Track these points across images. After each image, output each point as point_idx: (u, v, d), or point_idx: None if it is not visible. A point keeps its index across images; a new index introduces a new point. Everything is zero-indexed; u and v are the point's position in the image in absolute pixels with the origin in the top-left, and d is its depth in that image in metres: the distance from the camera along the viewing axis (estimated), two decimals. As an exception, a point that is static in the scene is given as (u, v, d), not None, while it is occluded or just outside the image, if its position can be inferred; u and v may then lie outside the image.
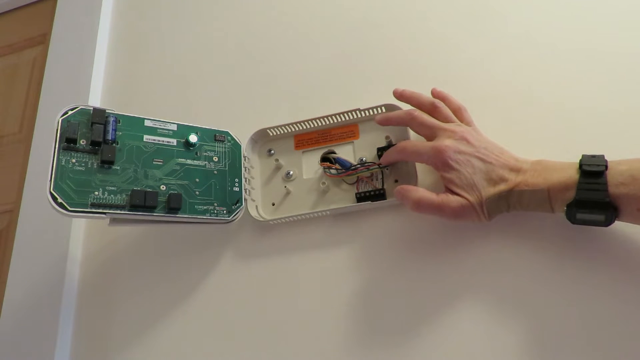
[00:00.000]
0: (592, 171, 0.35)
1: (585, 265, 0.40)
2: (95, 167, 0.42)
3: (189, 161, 0.47)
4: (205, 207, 0.46)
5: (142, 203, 0.42)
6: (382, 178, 0.47)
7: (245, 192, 0.49)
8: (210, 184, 0.47)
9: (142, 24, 0.69)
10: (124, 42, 0.69)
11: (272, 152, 0.52)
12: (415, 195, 0.40)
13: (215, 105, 0.59)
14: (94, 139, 0.42)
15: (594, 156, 0.36)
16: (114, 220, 0.43)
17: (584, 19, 0.49)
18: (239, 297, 0.48)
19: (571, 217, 0.36)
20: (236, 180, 0.49)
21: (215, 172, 0.48)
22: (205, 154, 0.48)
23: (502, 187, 0.38)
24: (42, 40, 0.78)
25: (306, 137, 0.52)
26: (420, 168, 0.46)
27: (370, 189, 0.47)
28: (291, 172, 0.50)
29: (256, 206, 0.50)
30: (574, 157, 0.37)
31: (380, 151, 0.48)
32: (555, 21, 0.49)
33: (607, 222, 0.35)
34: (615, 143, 0.42)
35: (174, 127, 0.48)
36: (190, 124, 0.49)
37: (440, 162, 0.40)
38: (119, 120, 0.45)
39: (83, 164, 0.42)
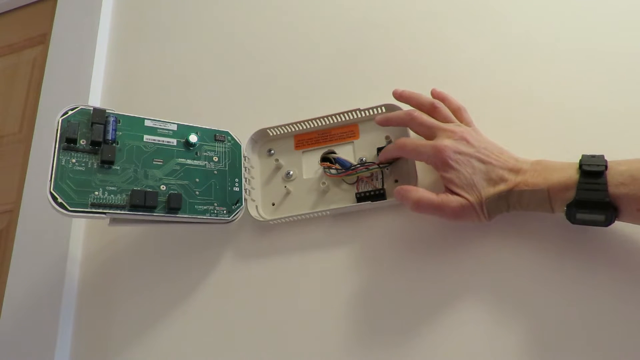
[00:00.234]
0: (592, 171, 0.35)
1: (585, 265, 0.40)
2: (95, 167, 0.42)
3: (189, 161, 0.47)
4: (205, 207, 0.46)
5: (142, 203, 0.42)
6: (382, 178, 0.47)
7: (245, 192, 0.49)
8: (210, 184, 0.47)
9: (142, 24, 0.69)
10: (124, 42, 0.69)
11: (272, 152, 0.52)
12: (415, 195, 0.40)
13: (215, 105, 0.59)
14: (94, 139, 0.42)
15: (593, 156, 0.36)
16: (114, 220, 0.43)
17: (584, 19, 0.49)
18: (239, 297, 0.48)
19: (571, 217, 0.36)
20: (236, 180, 0.49)
21: (215, 172, 0.48)
22: (205, 154, 0.48)
23: (501, 187, 0.38)
24: (42, 40, 0.78)
25: (306, 137, 0.52)
26: (420, 168, 0.46)
27: (370, 189, 0.47)
28: (291, 172, 0.50)
29: (256, 206, 0.50)
30: (574, 157, 0.37)
31: (380, 151, 0.48)
32: (555, 21, 0.49)
33: (607, 222, 0.35)
34: (615, 143, 0.42)
35: (174, 127, 0.48)
36: (190, 124, 0.49)
37: (440, 162, 0.40)
38: (119, 120, 0.45)
39: (83, 164, 0.42)
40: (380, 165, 0.47)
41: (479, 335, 0.40)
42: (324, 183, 0.48)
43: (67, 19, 0.73)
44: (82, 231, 0.58)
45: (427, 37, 0.53)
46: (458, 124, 0.43)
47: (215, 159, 0.49)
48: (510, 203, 0.39)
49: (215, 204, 0.46)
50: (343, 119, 0.50)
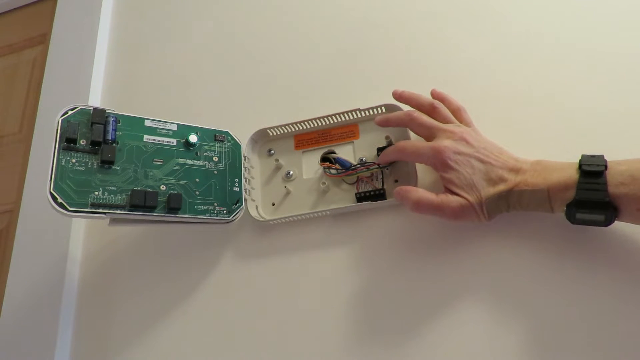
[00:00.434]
0: (592, 171, 0.35)
1: (585, 265, 0.40)
2: (95, 167, 0.42)
3: (189, 161, 0.47)
4: (205, 207, 0.46)
5: (142, 203, 0.42)
6: (382, 178, 0.47)
7: (245, 192, 0.49)
8: (210, 184, 0.47)
9: (142, 24, 0.69)
10: (124, 42, 0.69)
11: (272, 152, 0.52)
12: (415, 196, 0.40)
13: (215, 105, 0.59)
14: (94, 139, 0.42)
15: (593, 156, 0.36)
16: (114, 220, 0.43)
17: (584, 19, 0.49)
18: (239, 297, 0.48)
19: (571, 217, 0.36)
20: (236, 180, 0.49)
21: (215, 172, 0.48)
22: (205, 154, 0.48)
23: (501, 187, 0.38)
24: (42, 40, 0.78)
25: (306, 137, 0.52)
26: (420, 168, 0.46)
27: (370, 189, 0.47)
28: (291, 172, 0.50)
29: (256, 206, 0.50)
30: (574, 157, 0.37)
31: (380, 151, 0.48)
32: (556, 21, 0.49)
33: (607, 222, 0.35)
34: (615, 143, 0.42)
35: (174, 127, 0.48)
36: (190, 124, 0.49)
37: (440, 163, 0.40)
38: (119, 120, 0.45)
39: (83, 164, 0.42)
40: (381, 166, 0.47)
41: (479, 335, 0.40)
42: (324, 183, 0.48)
43: (67, 19, 0.73)
44: (82, 231, 0.58)
45: (427, 37, 0.53)
46: (457, 124, 0.43)
47: (215, 159, 0.49)
48: (510, 203, 0.39)
49: (215, 204, 0.46)
50: (343, 119, 0.50)
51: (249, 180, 0.51)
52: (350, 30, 0.57)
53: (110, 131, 0.44)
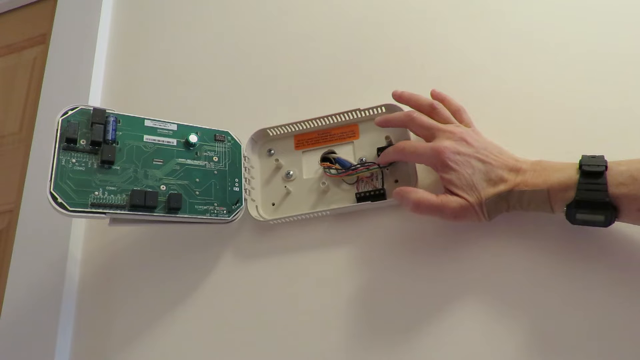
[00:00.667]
0: (592, 171, 0.35)
1: (585, 266, 0.40)
2: (95, 167, 0.42)
3: (189, 161, 0.47)
4: (205, 207, 0.46)
5: (142, 203, 0.42)
6: (382, 178, 0.47)
7: (245, 192, 0.49)
8: (210, 184, 0.47)
9: (142, 23, 0.69)
10: (124, 42, 0.69)
11: (272, 152, 0.52)
12: (415, 197, 0.40)
13: (215, 105, 0.59)
14: (94, 139, 0.42)
15: (593, 156, 0.36)
16: (114, 220, 0.43)
17: (585, 19, 0.49)
18: (239, 297, 0.48)
19: (571, 218, 0.36)
20: (236, 180, 0.49)
21: (215, 172, 0.48)
22: (205, 154, 0.48)
23: (501, 187, 0.38)
24: (42, 40, 0.78)
25: (306, 137, 0.52)
26: (420, 168, 0.46)
27: (370, 189, 0.47)
28: (291, 172, 0.50)
29: (256, 206, 0.50)
30: (574, 157, 0.37)
31: (381, 151, 0.48)
32: (556, 21, 0.49)
33: (607, 223, 0.35)
34: (615, 143, 0.42)
35: (174, 127, 0.48)
36: (190, 124, 0.49)
37: (440, 163, 0.40)
38: (119, 120, 0.45)
39: (83, 164, 0.42)
40: (381, 166, 0.47)
41: (479, 335, 0.40)
42: (324, 183, 0.48)
43: (67, 19, 0.73)
44: (82, 231, 0.58)
45: (427, 37, 0.53)
46: (457, 124, 0.43)
47: (215, 159, 0.49)
48: (510, 203, 0.39)
49: (215, 204, 0.46)
50: (343, 119, 0.50)
51: (249, 180, 0.51)
52: (350, 30, 0.57)
53: (110, 131, 0.44)
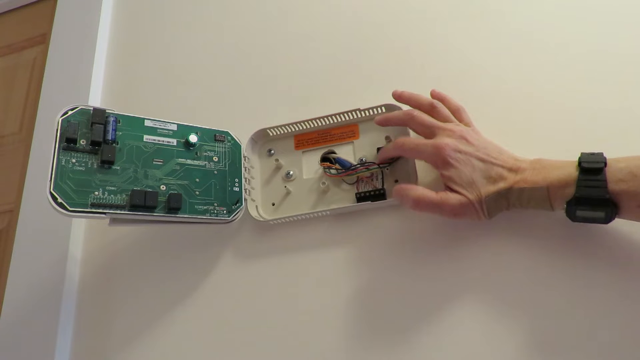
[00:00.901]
0: (592, 168, 0.35)
1: (586, 263, 0.40)
2: (95, 167, 0.42)
3: (189, 161, 0.47)
4: (205, 207, 0.46)
5: (142, 203, 0.42)
6: (382, 178, 0.47)
7: (245, 192, 0.49)
8: (210, 184, 0.47)
9: (142, 23, 0.69)
10: (124, 42, 0.69)
11: (272, 152, 0.52)
12: (415, 194, 0.40)
13: (215, 105, 0.59)
14: (94, 139, 0.42)
15: (592, 154, 0.36)
16: (114, 220, 0.43)
17: (585, 19, 0.49)
18: (239, 297, 0.48)
19: (571, 215, 0.36)
20: (236, 180, 0.49)
21: (215, 172, 0.48)
22: (205, 154, 0.48)
23: (501, 185, 0.38)
24: (42, 40, 0.78)
25: (306, 137, 0.52)
26: (420, 168, 0.46)
27: (370, 189, 0.47)
28: (291, 172, 0.50)
29: (256, 206, 0.50)
30: (574, 156, 0.37)
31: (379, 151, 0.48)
32: (556, 21, 0.49)
33: (607, 219, 0.36)
34: (615, 143, 0.42)
35: (174, 127, 0.48)
36: (190, 124, 0.49)
37: (440, 160, 0.40)
38: (119, 120, 0.45)
39: (83, 164, 0.42)
40: (380, 166, 0.47)
41: (479, 335, 0.40)
42: (324, 183, 0.48)
43: (67, 19, 0.73)
44: (82, 231, 0.58)
45: (427, 37, 0.53)
46: (457, 123, 0.43)
47: (215, 159, 0.49)
48: (510, 201, 0.39)
49: (215, 204, 0.46)
50: (343, 119, 0.50)
51: (249, 180, 0.51)
52: (350, 30, 0.57)
53: (110, 131, 0.44)
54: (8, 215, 0.66)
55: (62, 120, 0.42)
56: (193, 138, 0.48)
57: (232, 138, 0.51)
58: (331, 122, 0.51)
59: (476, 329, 0.40)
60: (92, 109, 0.44)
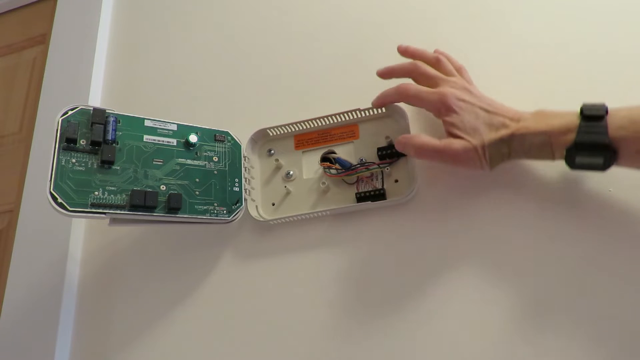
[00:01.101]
0: (593, 115, 0.36)
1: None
2: (95, 167, 0.42)
3: (189, 161, 0.47)
4: (205, 207, 0.46)
5: (142, 203, 0.42)
6: (382, 178, 0.47)
7: (245, 192, 0.49)
8: (210, 184, 0.47)
9: (142, 24, 0.69)
10: (124, 42, 0.69)
11: (272, 152, 0.52)
12: (417, 141, 0.41)
13: (215, 105, 0.59)
14: (94, 139, 0.42)
15: (594, 104, 0.37)
16: (114, 220, 0.43)
17: (585, 19, 0.48)
18: (239, 297, 0.48)
19: (570, 162, 0.37)
20: (236, 180, 0.49)
21: (215, 172, 0.48)
22: (205, 154, 0.48)
23: (503, 132, 0.39)
24: (42, 40, 0.78)
25: (306, 137, 0.52)
26: (420, 168, 0.46)
27: (370, 189, 0.47)
28: (291, 172, 0.50)
29: (256, 206, 0.50)
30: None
31: (381, 151, 0.48)
32: (557, 21, 0.49)
33: (606, 166, 0.36)
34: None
35: (174, 127, 0.48)
36: (190, 124, 0.49)
37: (444, 106, 0.40)
38: (119, 120, 0.45)
39: (83, 164, 0.42)
40: (380, 165, 0.47)
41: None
42: (324, 183, 0.48)
43: (67, 19, 0.73)
44: (82, 231, 0.58)
45: (427, 37, 0.53)
46: (460, 78, 0.44)
47: (215, 159, 0.49)
48: (512, 148, 0.39)
49: (215, 204, 0.46)
50: (343, 119, 0.50)
51: (249, 180, 0.51)
52: (350, 30, 0.57)
53: (110, 131, 0.44)
54: (8, 215, 0.66)
55: (62, 120, 0.42)
56: (193, 138, 0.48)
57: (232, 138, 0.51)
58: (331, 122, 0.51)
59: (478, 328, 0.40)
60: (92, 109, 0.44)
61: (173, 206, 0.43)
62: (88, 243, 0.57)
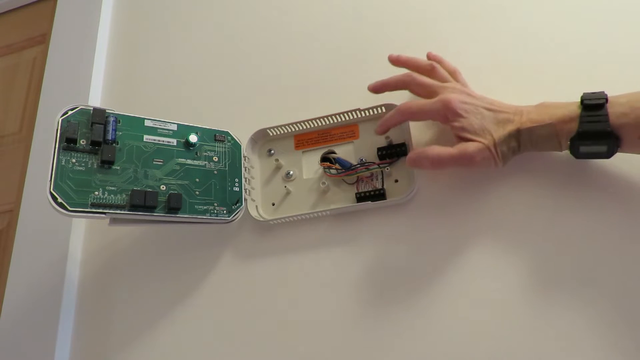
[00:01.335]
0: (593, 104, 0.36)
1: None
2: (95, 167, 0.42)
3: (189, 161, 0.47)
4: (205, 207, 0.46)
5: (142, 203, 0.42)
6: (382, 178, 0.47)
7: (245, 192, 0.49)
8: (210, 183, 0.47)
9: (142, 23, 0.69)
10: (124, 42, 0.69)
11: (272, 152, 0.52)
12: (432, 153, 0.41)
13: (215, 105, 0.59)
14: (94, 139, 0.42)
15: (594, 92, 0.37)
16: (114, 220, 0.43)
17: (585, 19, 0.48)
18: (238, 297, 0.48)
19: (575, 151, 0.38)
20: (236, 180, 0.49)
21: (215, 172, 0.48)
22: (205, 154, 0.48)
23: (510, 127, 0.40)
24: (42, 40, 0.78)
25: (306, 137, 0.52)
26: (420, 171, 0.46)
27: (370, 189, 0.47)
28: (291, 172, 0.50)
29: (256, 206, 0.50)
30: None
31: (381, 151, 0.48)
32: (556, 21, 0.49)
33: (610, 153, 0.37)
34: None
35: (174, 127, 0.48)
36: (190, 124, 0.49)
37: (450, 112, 0.40)
38: (119, 120, 0.45)
39: (83, 164, 0.42)
40: (380, 165, 0.47)
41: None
42: (324, 183, 0.48)
43: (67, 19, 0.73)
44: (82, 231, 0.58)
45: (427, 37, 0.53)
46: (455, 83, 0.44)
47: (215, 159, 0.49)
48: (521, 142, 0.40)
49: (215, 204, 0.46)
50: (343, 119, 0.50)
51: (249, 180, 0.51)
52: (350, 30, 0.57)
53: (110, 131, 0.44)
54: (8, 215, 0.66)
55: (62, 120, 0.42)
56: (193, 138, 0.48)
57: (232, 138, 0.51)
58: (331, 122, 0.51)
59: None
60: (92, 109, 0.44)
61: (173, 206, 0.43)
62: (88, 243, 0.57)
